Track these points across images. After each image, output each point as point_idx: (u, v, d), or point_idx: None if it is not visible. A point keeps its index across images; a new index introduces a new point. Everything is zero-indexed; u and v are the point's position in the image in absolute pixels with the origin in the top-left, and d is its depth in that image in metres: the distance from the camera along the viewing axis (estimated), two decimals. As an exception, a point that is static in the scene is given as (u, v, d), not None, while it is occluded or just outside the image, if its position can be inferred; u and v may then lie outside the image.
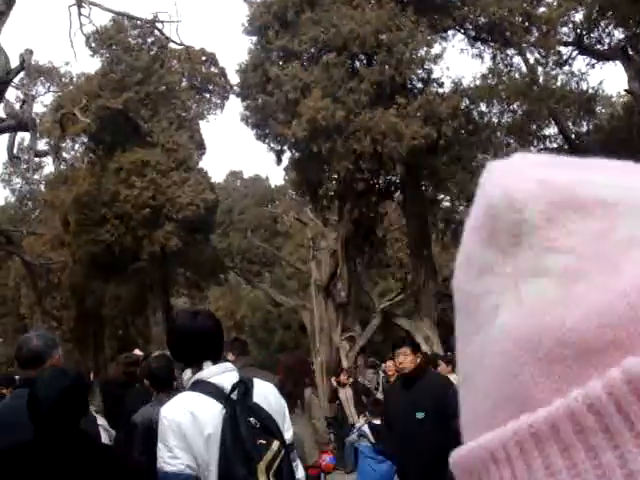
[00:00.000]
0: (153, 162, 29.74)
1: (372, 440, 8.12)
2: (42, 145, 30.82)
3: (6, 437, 3.13)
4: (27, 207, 46.48)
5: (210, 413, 3.06)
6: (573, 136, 23.95)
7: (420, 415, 6.29)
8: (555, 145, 25.23)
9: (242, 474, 2.91)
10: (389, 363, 11.42)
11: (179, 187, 29.69)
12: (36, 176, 41.79)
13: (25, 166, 38.50)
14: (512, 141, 24.19)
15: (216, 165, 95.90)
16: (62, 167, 35.13)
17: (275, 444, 3.04)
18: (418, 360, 6.43)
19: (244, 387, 3.15)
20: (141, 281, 32.58)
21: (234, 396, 3.10)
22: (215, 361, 3.26)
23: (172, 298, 37.61)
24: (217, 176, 74.47)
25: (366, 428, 8.30)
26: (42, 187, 40.16)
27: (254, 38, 22.54)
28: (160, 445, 3.07)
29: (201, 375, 3.21)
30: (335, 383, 12.67)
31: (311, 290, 33.03)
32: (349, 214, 22.17)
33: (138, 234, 29.34)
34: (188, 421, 3.04)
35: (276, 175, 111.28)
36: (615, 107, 33.12)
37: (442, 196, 23.18)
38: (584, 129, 24.50)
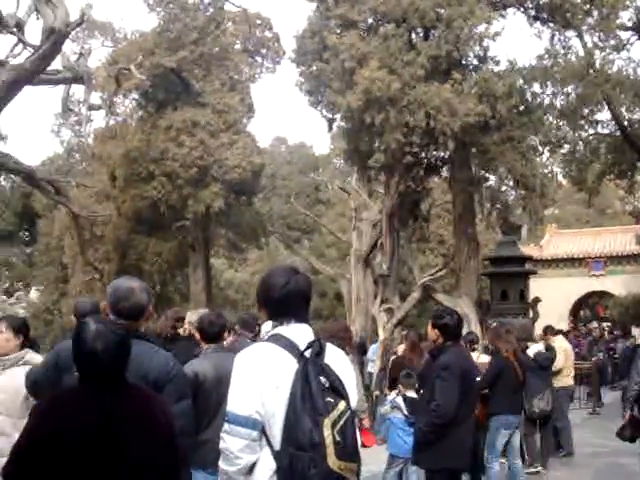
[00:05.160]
0: (203, 122, 29.94)
1: (405, 412, 8.21)
2: (94, 99, 31.13)
3: None
4: (74, 159, 46.99)
5: (283, 365, 3.18)
6: (626, 123, 23.66)
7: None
8: (607, 131, 24.98)
9: (308, 427, 3.03)
10: (401, 346, 11.65)
11: (227, 149, 29.90)
12: (85, 129, 42.15)
13: (76, 118, 38.92)
14: (563, 124, 23.94)
15: (261, 129, 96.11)
16: (112, 122, 35.50)
17: (342, 404, 3.15)
18: (436, 335, 6.46)
19: (318, 347, 3.27)
20: (183, 239, 32.97)
21: (307, 354, 3.22)
22: (298, 320, 3.39)
23: (212, 258, 38.00)
24: (262, 141, 74.57)
25: (400, 400, 8.38)
26: (90, 140, 40.50)
27: (313, 5, 22.51)
28: (233, 388, 3.22)
29: (280, 330, 3.35)
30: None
31: (350, 260, 33.23)
32: (396, 186, 22.18)
33: (184, 193, 29.65)
34: (262, 369, 3.18)
35: (321, 144, 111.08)
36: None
37: (489, 175, 23.00)
38: (637, 116, 24.15)
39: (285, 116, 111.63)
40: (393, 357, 13.41)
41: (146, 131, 31.17)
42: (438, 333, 6.41)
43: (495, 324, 11.07)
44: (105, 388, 3.06)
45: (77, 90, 30.77)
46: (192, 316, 8.22)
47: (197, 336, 6.33)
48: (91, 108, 29.32)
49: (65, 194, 29.83)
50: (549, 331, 13.57)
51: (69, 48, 30.41)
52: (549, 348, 12.48)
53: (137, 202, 30.83)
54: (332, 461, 3.04)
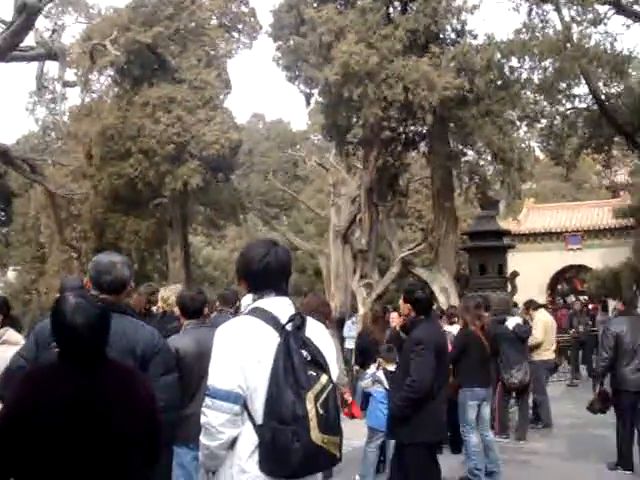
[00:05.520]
0: (179, 98, 29.69)
1: (387, 386, 8.21)
2: (69, 76, 30.76)
3: None
4: (50, 137, 46.52)
5: (265, 339, 3.16)
6: (603, 97, 23.67)
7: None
8: (584, 105, 24.99)
9: (291, 400, 3.02)
10: (394, 314, 11.52)
11: (204, 125, 29.66)
12: (60, 107, 41.66)
13: (51, 96, 38.50)
14: (541, 98, 23.93)
15: (238, 106, 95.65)
16: (87, 99, 35.12)
17: (324, 377, 3.13)
18: (408, 310, 6.54)
19: (300, 321, 3.24)
20: (161, 217, 32.80)
21: (289, 327, 3.19)
22: (278, 293, 3.37)
23: (190, 236, 37.85)
24: (239, 117, 73.99)
25: (381, 374, 8.39)
26: (65, 118, 40.04)
27: (290, -22, 22.33)
28: (214, 362, 3.20)
29: (260, 303, 3.31)
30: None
31: (329, 235, 33.24)
32: (374, 161, 22.14)
33: (161, 170, 29.41)
34: (243, 343, 3.15)
35: (298, 120, 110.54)
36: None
37: (468, 150, 22.97)
38: (614, 91, 24.16)
39: (262, 92, 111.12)
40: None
41: (122, 108, 30.85)
42: (410, 307, 6.44)
43: (468, 297, 11.13)
44: (85, 363, 3.01)
45: (51, 67, 30.46)
46: (165, 292, 8.19)
47: (176, 312, 6.31)
48: (66, 85, 29.06)
49: (41, 173, 29.63)
50: (531, 305, 13.69)
51: (42, 24, 30.15)
52: (526, 322, 12.59)
53: (114, 180, 30.54)
54: (315, 435, 3.03)
